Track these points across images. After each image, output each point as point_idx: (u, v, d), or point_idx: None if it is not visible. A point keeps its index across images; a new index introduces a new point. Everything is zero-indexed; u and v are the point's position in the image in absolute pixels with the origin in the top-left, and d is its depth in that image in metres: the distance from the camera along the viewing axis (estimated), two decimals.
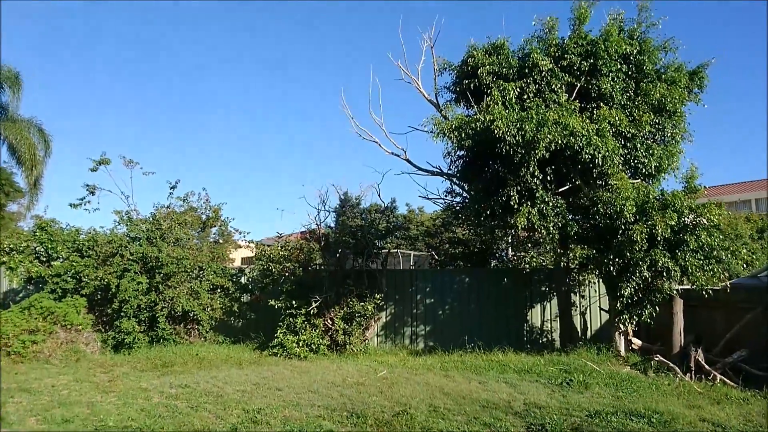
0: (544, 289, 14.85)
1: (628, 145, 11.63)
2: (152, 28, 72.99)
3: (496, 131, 10.49)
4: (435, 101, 13.82)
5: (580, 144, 10.69)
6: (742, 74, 70.31)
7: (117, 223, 15.56)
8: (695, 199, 11.29)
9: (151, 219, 15.36)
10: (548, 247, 16.45)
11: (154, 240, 14.69)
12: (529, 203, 11.45)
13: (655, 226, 10.53)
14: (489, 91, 11.66)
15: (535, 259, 16.58)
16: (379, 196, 15.48)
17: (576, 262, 11.86)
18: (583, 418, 7.45)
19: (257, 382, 10.03)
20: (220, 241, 16.55)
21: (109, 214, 15.73)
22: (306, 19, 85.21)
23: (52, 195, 46.60)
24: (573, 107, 10.98)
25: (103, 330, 14.28)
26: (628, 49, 11.79)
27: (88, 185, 15.52)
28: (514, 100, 11.37)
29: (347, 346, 13.76)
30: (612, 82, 11.76)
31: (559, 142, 10.45)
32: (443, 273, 16.21)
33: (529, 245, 16.49)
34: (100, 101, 73.89)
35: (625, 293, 11.10)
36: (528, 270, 15.06)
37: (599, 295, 14.37)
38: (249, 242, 16.74)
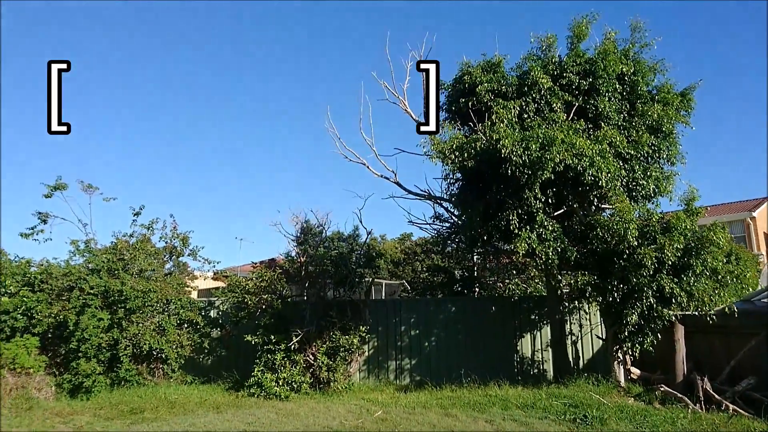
0: (533, 317, 14.29)
1: (625, 166, 11.31)
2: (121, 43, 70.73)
3: (503, 151, 9.95)
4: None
5: (584, 165, 10.27)
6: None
7: (72, 254, 14.26)
8: (696, 221, 11.01)
9: (111, 249, 14.09)
10: (533, 274, 16.04)
11: (116, 272, 13.45)
12: (527, 227, 10.92)
13: (663, 249, 10.15)
14: (488, 109, 11.19)
15: (519, 286, 16.10)
16: (360, 222, 14.61)
17: (576, 288, 11.33)
18: None
19: (244, 430, 9.00)
20: (175, 273, 15.30)
21: (63, 244, 14.48)
22: (290, 37, 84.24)
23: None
24: (578, 127, 10.57)
25: (57, 373, 12.87)
26: (624, 69, 11.55)
27: (40, 213, 14.24)
28: (514, 120, 10.90)
29: (331, 384, 12.78)
30: (609, 102, 11.47)
31: (568, 162, 9.99)
32: (428, 302, 15.47)
33: (514, 272, 15.97)
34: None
35: (631, 320, 10.64)
36: (516, 298, 14.48)
37: (590, 323, 13.90)
38: (220, 273, 15.58)
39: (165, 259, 14.90)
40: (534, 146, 9.96)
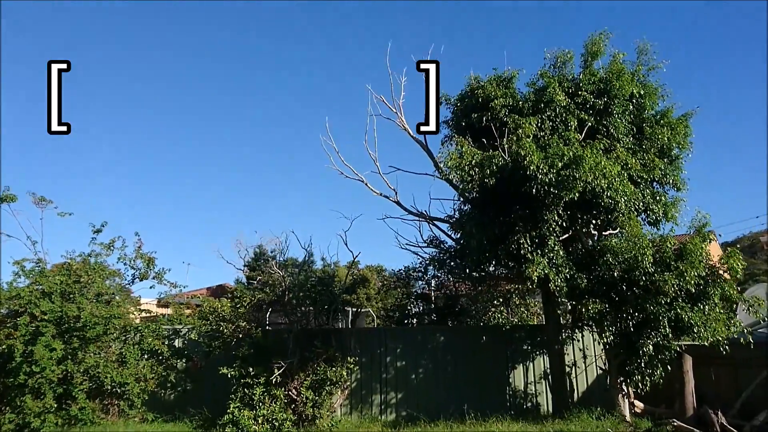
0: (525, 347, 13.58)
1: (635, 190, 10.88)
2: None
3: (530, 167, 9.31)
4: (422, 140, 12.46)
5: (603, 187, 9.76)
6: None
7: (16, 275, 12.55)
8: (707, 247, 10.67)
9: (65, 269, 12.48)
10: (518, 302, 15.46)
11: (71, 295, 11.91)
12: (538, 252, 10.28)
13: (683, 275, 9.70)
14: (504, 125, 10.58)
15: (503, 315, 15.46)
16: (346, 245, 13.45)
17: (586, 317, 10.69)
18: None
19: None
20: (117, 299, 13.60)
21: (6, 264, 12.78)
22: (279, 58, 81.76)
23: None
24: (598, 147, 10.07)
25: None
26: (635, 90, 11.22)
27: None
28: (531, 137, 10.30)
29: (316, 421, 11.60)
30: (620, 123, 11.09)
31: (598, 183, 9.46)
32: (415, 331, 14.53)
33: (500, 300, 15.27)
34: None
35: (646, 351, 10.10)
36: (508, 327, 13.74)
37: (585, 354, 13.29)
38: (190, 297, 14.16)
39: (127, 281, 13.39)
40: (561, 163, 9.39)
